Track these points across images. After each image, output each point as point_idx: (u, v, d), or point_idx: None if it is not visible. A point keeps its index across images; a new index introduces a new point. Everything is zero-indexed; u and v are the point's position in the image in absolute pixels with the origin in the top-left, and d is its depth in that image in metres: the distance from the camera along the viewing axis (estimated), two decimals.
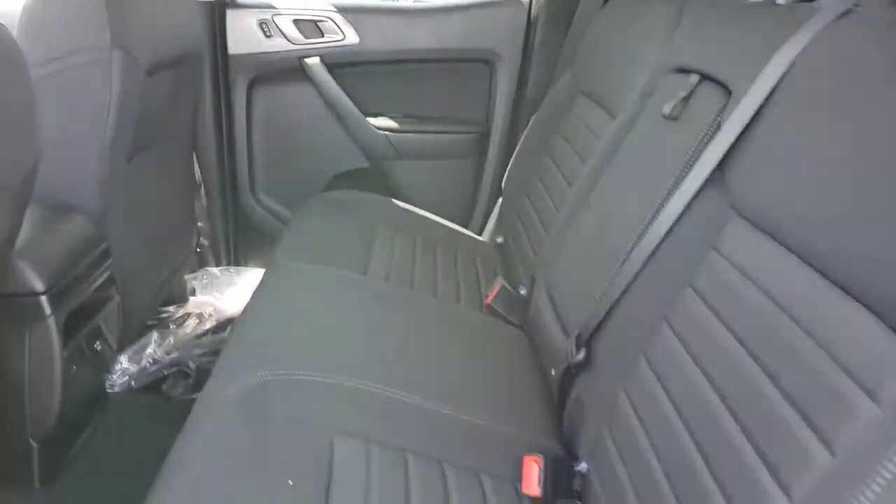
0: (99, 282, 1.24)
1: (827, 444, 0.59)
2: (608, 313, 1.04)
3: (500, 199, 1.92)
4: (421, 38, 1.92)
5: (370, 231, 1.64)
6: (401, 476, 0.91)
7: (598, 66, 1.54)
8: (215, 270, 1.82)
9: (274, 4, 1.89)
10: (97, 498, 1.04)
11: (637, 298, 1.00)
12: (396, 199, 1.92)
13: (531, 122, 1.85)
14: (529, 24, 1.91)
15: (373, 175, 2.02)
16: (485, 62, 1.96)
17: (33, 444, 1.15)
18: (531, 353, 1.32)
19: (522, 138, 1.87)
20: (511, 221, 1.75)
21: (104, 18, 1.19)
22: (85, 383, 1.26)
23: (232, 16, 1.86)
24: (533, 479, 0.96)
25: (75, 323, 1.18)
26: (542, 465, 0.96)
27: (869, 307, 0.62)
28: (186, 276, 1.78)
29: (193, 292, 1.81)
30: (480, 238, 1.96)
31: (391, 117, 1.99)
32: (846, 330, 0.63)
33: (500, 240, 1.80)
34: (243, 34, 1.87)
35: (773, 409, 0.66)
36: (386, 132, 1.98)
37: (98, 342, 1.27)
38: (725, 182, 0.91)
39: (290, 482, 0.85)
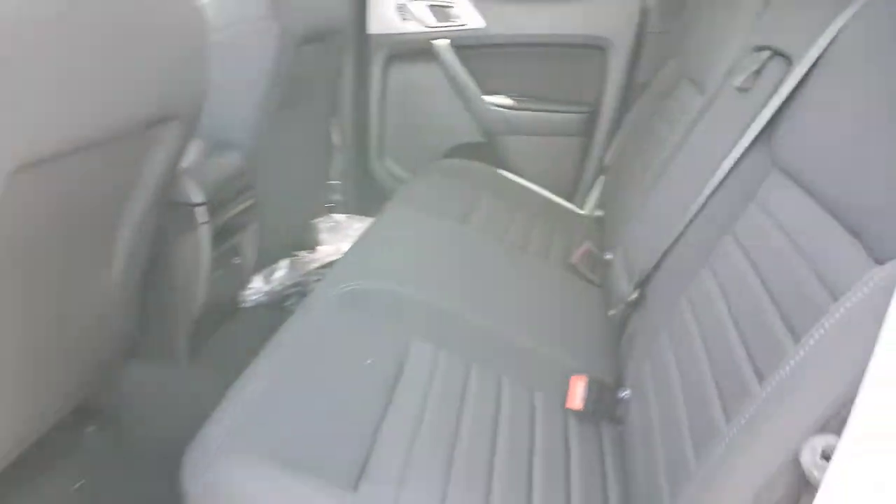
0: (243, 206, 1.52)
1: None
2: (661, 259, 1.15)
3: (603, 177, 2.04)
4: (540, 25, 2.08)
5: (476, 194, 1.82)
6: (461, 382, 1.07)
7: (695, 50, 1.63)
8: (341, 216, 2.09)
9: None
10: (227, 376, 1.31)
11: (686, 246, 1.11)
12: (506, 171, 2.09)
13: (636, 105, 1.95)
14: (642, 14, 2.02)
15: (486, 148, 2.21)
16: (598, 48, 2.08)
17: (181, 330, 1.44)
18: (602, 306, 1.45)
19: (628, 120, 1.98)
20: (610, 196, 1.87)
21: None
22: (224, 288, 1.54)
23: (374, 2, 2.11)
24: (577, 395, 1.09)
25: (221, 236, 1.46)
26: (586, 384, 1.10)
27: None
28: (315, 221, 2.07)
29: (321, 242, 2.09)
30: (581, 212, 2.09)
31: (507, 95, 2.16)
32: None
33: (599, 213, 1.92)
34: (382, 16, 2.12)
35: (785, 357, 0.65)
36: (501, 109, 2.16)
37: (237, 258, 1.56)
38: (771, 140, 1.01)
39: (369, 361, 1.05)
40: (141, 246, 1.23)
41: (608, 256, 1.61)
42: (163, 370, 1.47)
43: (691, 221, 1.11)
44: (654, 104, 1.80)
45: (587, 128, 2.15)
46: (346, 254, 1.40)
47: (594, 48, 2.09)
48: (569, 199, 2.12)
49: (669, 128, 1.58)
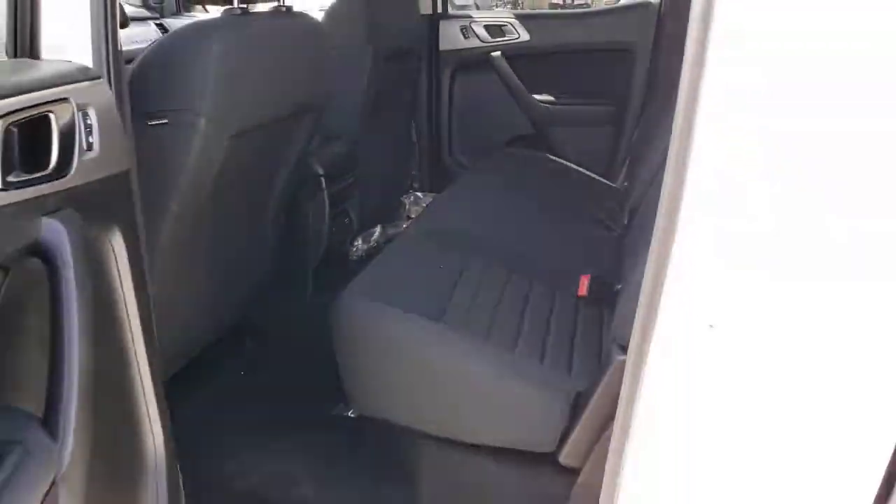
0: (348, 182, 2.09)
1: None
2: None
3: (628, 158, 2.50)
4: (575, 35, 2.58)
5: (527, 171, 2.33)
6: (503, 280, 1.58)
7: None
8: (420, 193, 2.64)
9: (472, 15, 2.67)
10: None
11: None
12: (552, 155, 2.59)
13: (654, 98, 2.41)
14: (659, 20, 2.48)
15: (536, 138, 2.71)
16: (625, 52, 2.55)
17: (309, 268, 2.01)
18: (615, 245, 1.92)
19: (647, 109, 2.44)
20: (633, 172, 2.33)
21: (364, 27, 2.04)
22: (338, 241, 2.11)
23: (443, 24, 2.66)
24: (584, 286, 1.58)
25: (334, 202, 2.03)
26: (590, 279, 1.59)
27: None
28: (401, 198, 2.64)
29: (408, 218, 2.64)
30: (613, 185, 2.55)
31: (551, 94, 2.67)
32: None
33: (625, 184, 2.39)
34: (449, 36, 2.67)
35: None
36: (547, 105, 2.66)
37: (346, 219, 2.12)
38: None
39: (441, 266, 1.58)
40: (284, 204, 1.81)
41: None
42: (296, 297, 2.04)
43: None
44: (668, 96, 2.26)
45: (617, 118, 2.62)
46: (425, 210, 1.95)
47: (621, 52, 2.56)
48: (603, 176, 2.59)
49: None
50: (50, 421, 0.81)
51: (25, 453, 0.77)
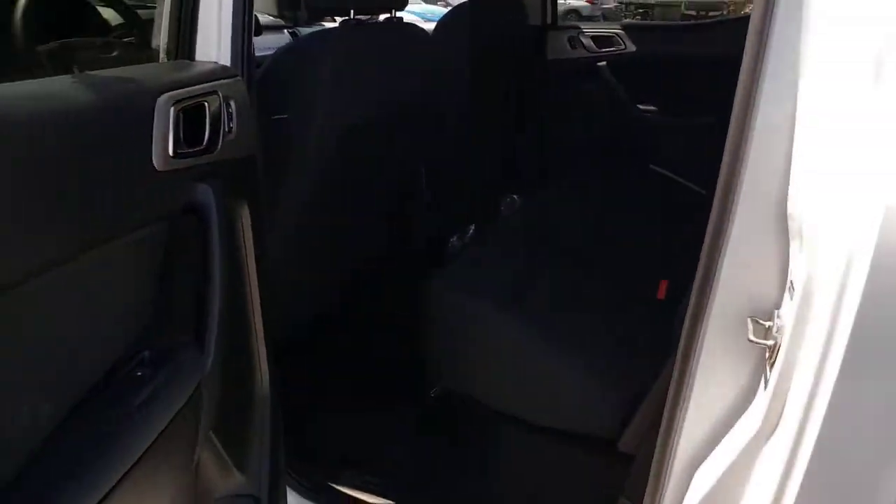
0: (450, 181, 2.23)
1: None
2: None
3: None
4: (685, 46, 2.60)
5: (626, 180, 2.37)
6: (580, 280, 1.66)
7: None
8: (515, 196, 2.75)
9: (580, 26, 2.75)
10: None
11: None
12: (655, 165, 2.62)
13: None
14: None
15: (638, 148, 2.74)
16: (726, 64, 2.53)
17: (408, 260, 2.16)
18: None
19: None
20: None
21: (472, 37, 2.18)
22: (436, 237, 2.25)
23: (551, 35, 2.76)
24: (663, 289, 1.64)
25: (434, 200, 2.17)
26: (669, 283, 1.63)
27: None
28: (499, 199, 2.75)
29: (503, 218, 2.75)
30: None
31: (655, 104, 2.69)
32: None
33: None
34: (557, 47, 2.76)
35: None
36: (650, 115, 2.69)
37: (445, 216, 2.26)
38: None
39: (525, 262, 1.69)
40: (388, 198, 1.97)
41: None
42: (394, 285, 2.20)
43: None
44: None
45: (722, 131, 2.59)
46: (519, 210, 2.06)
47: (732, 64, 2.54)
48: (705, 188, 2.58)
49: None
50: (198, 338, 1.04)
51: (181, 360, 1.01)
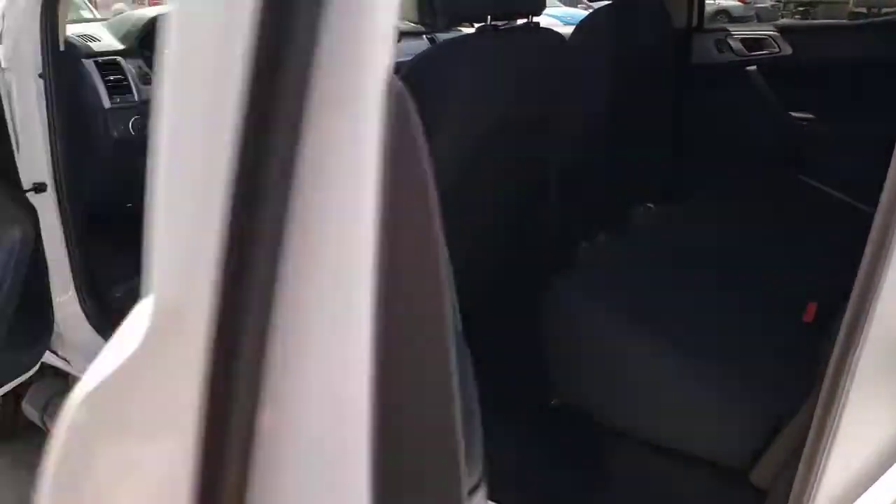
0: (582, 188, 2.19)
1: None
2: None
3: None
4: (848, 48, 2.38)
5: (775, 192, 2.22)
6: (718, 298, 1.56)
7: None
8: (651, 205, 2.64)
9: (728, 28, 2.59)
10: None
11: None
12: (807, 177, 2.42)
13: None
14: None
15: (791, 159, 2.55)
16: None
17: (536, 266, 2.14)
18: None
19: None
20: None
21: (612, 40, 2.12)
22: (564, 245, 2.21)
23: (697, 38, 2.62)
24: (811, 312, 1.51)
25: (565, 207, 2.14)
26: (817, 305, 1.50)
27: None
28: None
29: (637, 228, 2.66)
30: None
31: (811, 112, 2.49)
32: None
33: None
34: (703, 50, 2.62)
35: None
36: (805, 124, 2.49)
37: (574, 224, 2.22)
38: None
39: (658, 274, 1.61)
40: (519, 204, 1.96)
41: None
42: (521, 291, 2.18)
43: None
44: None
45: (889, 140, 2.35)
46: (655, 220, 1.98)
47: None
48: (868, 203, 2.35)
49: None
50: None
51: None
